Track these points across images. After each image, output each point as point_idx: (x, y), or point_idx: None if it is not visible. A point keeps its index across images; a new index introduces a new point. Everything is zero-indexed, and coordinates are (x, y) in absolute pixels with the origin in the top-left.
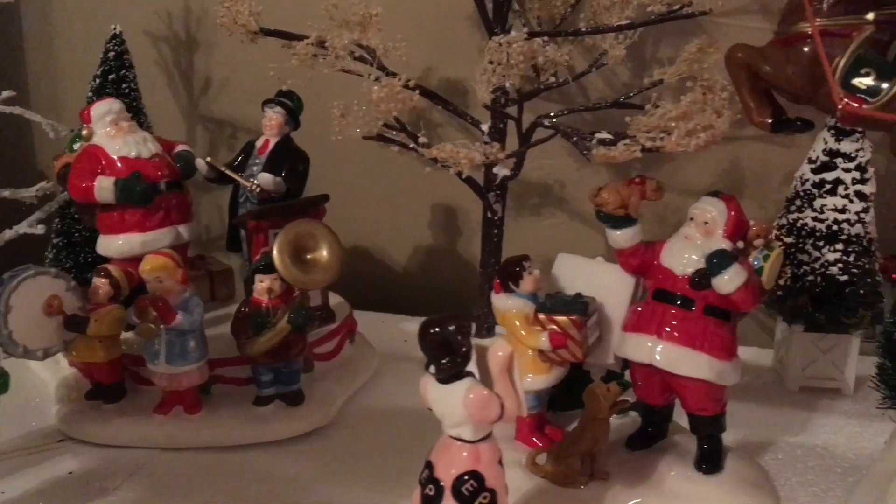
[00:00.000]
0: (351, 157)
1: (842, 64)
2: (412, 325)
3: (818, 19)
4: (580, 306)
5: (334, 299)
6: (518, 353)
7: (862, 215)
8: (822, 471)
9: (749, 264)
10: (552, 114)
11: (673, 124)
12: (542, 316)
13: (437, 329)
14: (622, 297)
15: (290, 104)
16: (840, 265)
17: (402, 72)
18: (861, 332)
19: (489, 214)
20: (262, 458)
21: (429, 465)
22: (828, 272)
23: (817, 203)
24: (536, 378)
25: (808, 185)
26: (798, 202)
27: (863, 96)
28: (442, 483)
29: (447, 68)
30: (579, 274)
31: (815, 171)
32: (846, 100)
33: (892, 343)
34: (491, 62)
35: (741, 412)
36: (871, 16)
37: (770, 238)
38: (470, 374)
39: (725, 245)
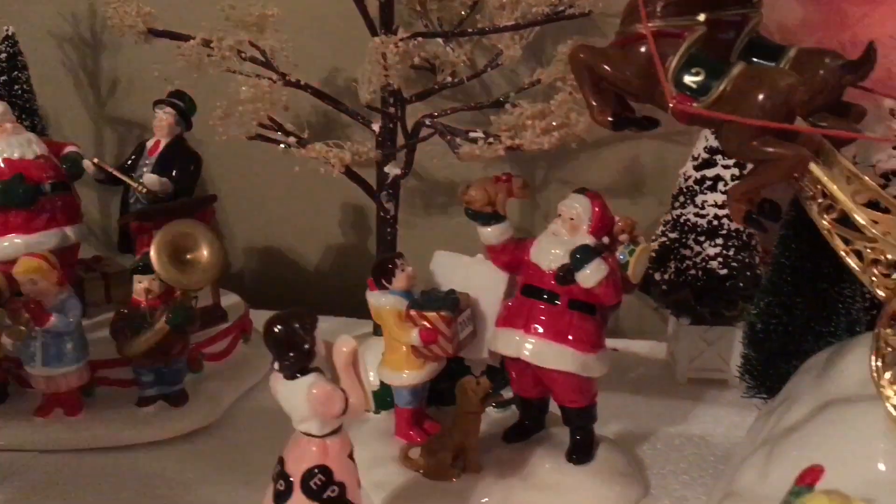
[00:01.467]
0: (255, 157)
1: (674, 63)
2: (321, 323)
3: (653, 21)
4: (450, 302)
5: (230, 299)
6: (392, 350)
7: None
8: (697, 459)
9: (614, 259)
10: (435, 113)
11: (529, 122)
12: (413, 312)
13: (280, 326)
14: (496, 293)
15: (181, 105)
16: (720, 259)
17: (306, 71)
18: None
19: (382, 213)
20: (143, 459)
21: (280, 461)
22: (708, 266)
23: (699, 199)
24: (411, 373)
25: (690, 182)
26: (682, 198)
27: (693, 95)
28: (291, 478)
29: (353, 68)
30: (455, 271)
31: (696, 168)
32: (677, 98)
33: (755, 334)
34: (372, 62)
35: (630, 403)
36: (702, 17)
37: (635, 233)
38: (315, 369)
39: (589, 241)
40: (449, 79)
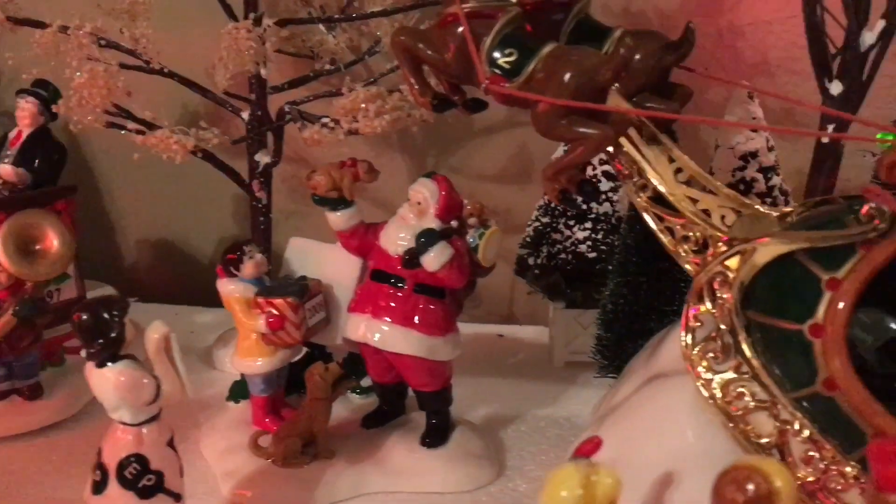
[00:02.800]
0: (144, 148)
1: (487, 44)
2: (206, 316)
3: (467, 2)
4: (298, 288)
5: (104, 291)
6: (243, 338)
7: (610, 194)
8: (559, 440)
9: (463, 242)
10: (297, 100)
11: (363, 106)
12: (260, 299)
13: (86, 313)
14: (350, 279)
15: (44, 94)
16: (589, 243)
17: (180, 59)
18: None
19: (254, 203)
20: None
21: (98, 452)
22: (578, 250)
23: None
24: (262, 361)
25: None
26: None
27: (506, 75)
28: (107, 468)
29: None
30: (310, 257)
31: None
32: (490, 79)
33: (606, 315)
34: (226, 49)
35: (504, 387)
36: None
37: (485, 217)
38: (128, 356)
39: (435, 224)
40: (329, 66)
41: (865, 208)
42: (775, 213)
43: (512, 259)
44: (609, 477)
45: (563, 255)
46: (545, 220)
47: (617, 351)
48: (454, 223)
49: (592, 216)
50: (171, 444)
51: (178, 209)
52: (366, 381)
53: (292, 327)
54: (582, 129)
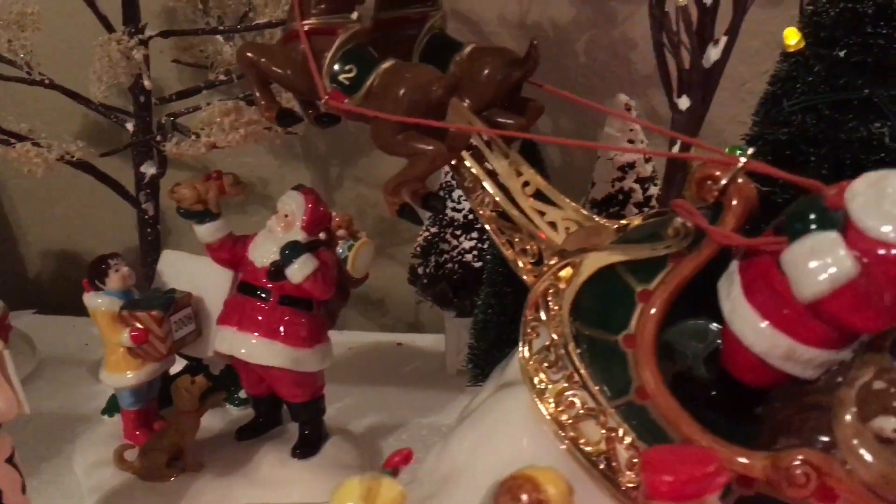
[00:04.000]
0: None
1: (328, 60)
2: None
3: (309, 18)
4: (163, 301)
5: None
6: (111, 351)
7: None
8: None
9: (331, 254)
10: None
11: (218, 119)
12: (125, 313)
13: None
14: (222, 291)
15: None
16: (475, 252)
17: (67, 70)
18: None
19: (140, 214)
20: None
21: None
22: (464, 259)
23: (455, 194)
24: (131, 374)
25: (448, 177)
26: (441, 193)
27: (346, 91)
28: None
29: None
30: (182, 270)
31: None
32: (330, 94)
33: (477, 324)
34: (100, 60)
35: (394, 397)
36: (355, 15)
37: (353, 229)
38: None
39: (301, 237)
40: (223, 76)
41: (673, 224)
42: (615, 226)
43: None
44: (392, 490)
45: (449, 265)
46: (434, 229)
47: (487, 360)
48: (322, 235)
49: (479, 226)
50: (10, 460)
51: (81, 220)
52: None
53: (157, 341)
54: (417, 145)
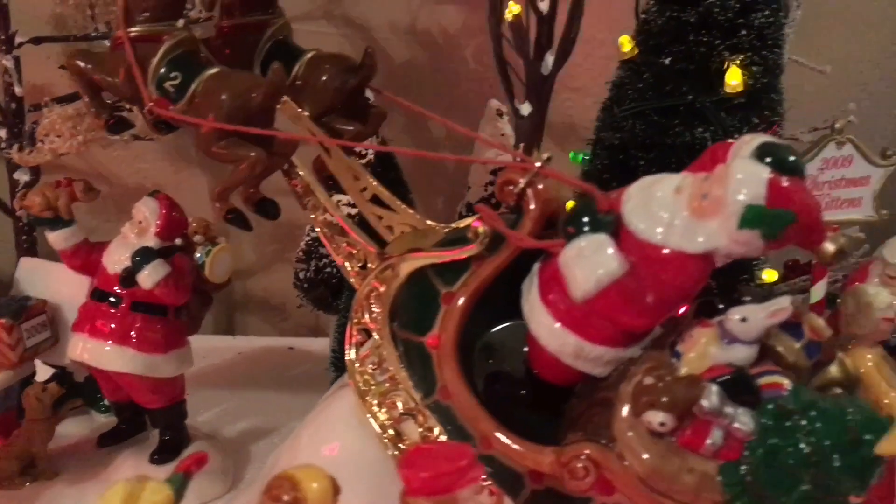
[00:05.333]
0: None
1: (153, 67)
2: None
3: (135, 26)
4: (12, 309)
5: None
6: None
7: None
8: None
9: (186, 260)
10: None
11: (58, 126)
12: None
13: None
14: (79, 297)
15: None
16: None
17: None
18: None
19: (16, 221)
20: None
21: None
22: None
23: (335, 198)
24: None
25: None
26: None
27: (172, 99)
28: None
29: None
30: (39, 277)
31: None
32: (154, 102)
33: (339, 328)
34: None
35: (276, 400)
36: (180, 23)
37: (212, 234)
38: None
39: (155, 243)
40: None
41: (473, 226)
42: (445, 230)
43: None
44: (158, 493)
45: (329, 269)
46: (314, 234)
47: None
48: (178, 241)
49: None
50: None
51: None
52: None
53: (6, 348)
54: (238, 152)
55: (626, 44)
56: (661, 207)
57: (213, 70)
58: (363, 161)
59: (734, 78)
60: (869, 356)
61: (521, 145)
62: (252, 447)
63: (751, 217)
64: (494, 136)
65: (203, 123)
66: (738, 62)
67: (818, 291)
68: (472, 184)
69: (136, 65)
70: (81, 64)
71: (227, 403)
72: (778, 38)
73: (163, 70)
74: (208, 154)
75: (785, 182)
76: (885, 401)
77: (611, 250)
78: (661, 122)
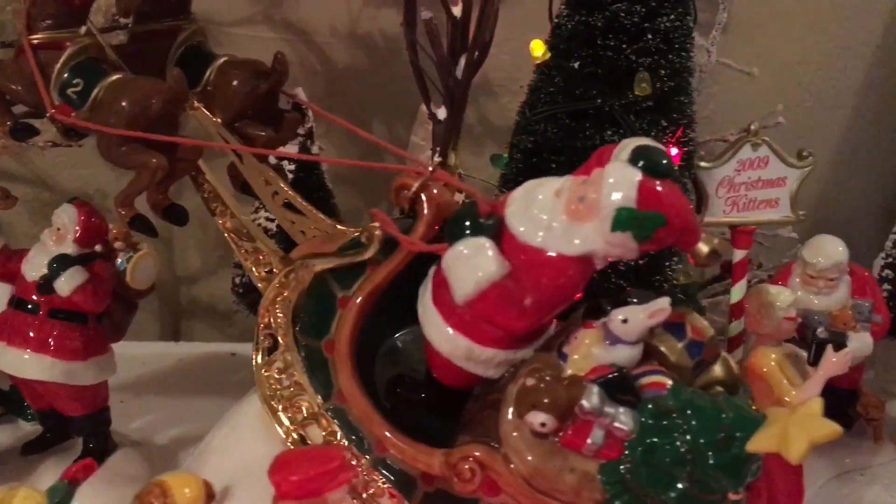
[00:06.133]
0: None
1: (55, 74)
2: None
3: (38, 33)
4: None
5: None
6: None
7: None
8: None
9: (106, 266)
10: None
11: None
12: None
13: None
14: (0, 307)
15: None
16: None
17: None
18: None
19: None
20: None
21: None
22: None
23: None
24: None
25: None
26: (255, 203)
27: (75, 105)
28: None
29: None
30: None
31: None
32: (57, 108)
33: None
34: None
35: (212, 407)
36: (83, 29)
37: (134, 241)
38: None
39: (73, 249)
40: None
41: (367, 231)
42: (355, 233)
43: None
44: (29, 500)
45: None
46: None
47: None
48: (98, 248)
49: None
50: None
51: None
52: None
53: None
54: (139, 158)
55: (539, 48)
56: (542, 210)
57: (115, 77)
58: (287, 165)
59: (643, 81)
60: (772, 355)
61: (437, 149)
62: (181, 454)
63: (622, 219)
64: (426, 139)
65: (104, 130)
66: (645, 66)
67: (738, 291)
68: None
69: (39, 71)
70: None
71: (161, 410)
72: (684, 41)
73: (65, 76)
74: (110, 160)
75: (656, 185)
76: (787, 398)
77: (490, 253)
78: (572, 125)
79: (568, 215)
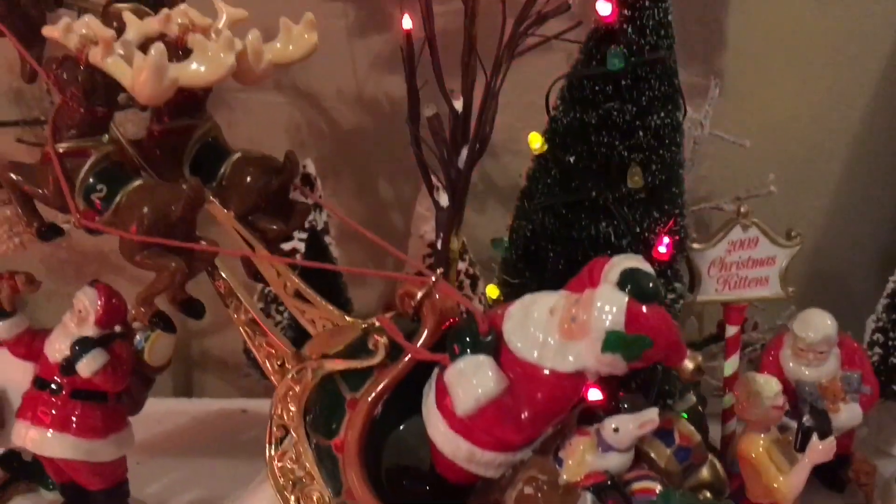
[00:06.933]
0: None
1: (80, 180)
2: None
3: (63, 142)
4: None
5: None
6: None
7: None
8: None
9: (125, 346)
10: None
11: None
12: None
13: None
14: (24, 383)
15: None
16: (295, 327)
17: None
18: None
19: None
20: None
21: None
22: (287, 334)
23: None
24: None
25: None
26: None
27: (98, 210)
28: None
29: None
30: None
31: None
32: (81, 214)
33: None
34: None
35: (224, 468)
36: (105, 138)
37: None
38: None
39: (94, 331)
40: None
41: (374, 339)
42: (363, 325)
43: None
44: None
45: None
46: (260, 305)
47: None
48: (118, 328)
49: None
50: None
51: None
52: None
53: None
54: (159, 262)
55: (536, 140)
56: (537, 328)
57: (137, 183)
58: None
59: (635, 174)
60: (760, 442)
61: (441, 234)
62: None
63: (612, 342)
64: (431, 210)
65: (126, 236)
66: (638, 161)
67: (731, 365)
68: (411, 255)
69: (64, 178)
70: (13, 176)
71: (176, 472)
72: (674, 136)
73: (90, 182)
74: (131, 262)
75: (642, 310)
76: (775, 485)
77: (490, 373)
78: (569, 215)
79: (561, 334)
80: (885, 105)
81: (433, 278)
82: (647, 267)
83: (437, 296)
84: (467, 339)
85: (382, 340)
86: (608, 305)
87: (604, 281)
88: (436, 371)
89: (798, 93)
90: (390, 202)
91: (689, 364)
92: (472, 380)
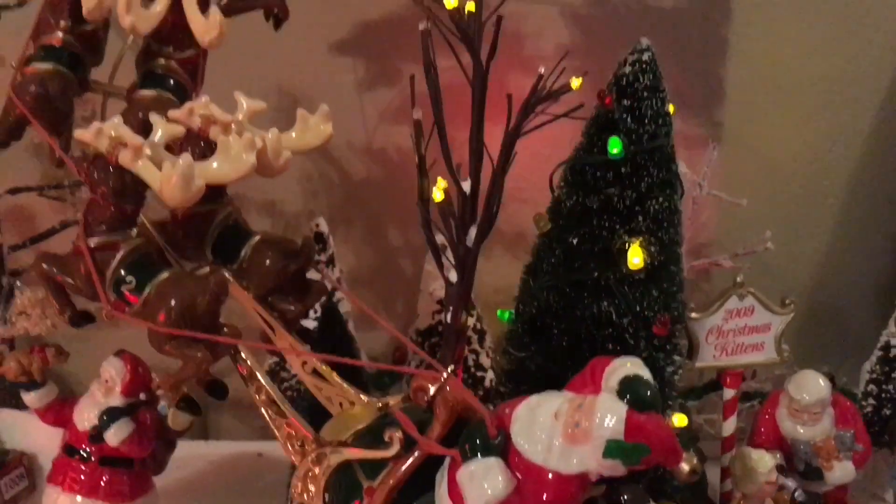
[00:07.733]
0: None
1: (111, 273)
2: None
3: (93, 237)
4: None
5: None
6: None
7: None
8: None
9: (151, 414)
10: None
11: (28, 312)
12: None
13: None
14: (56, 447)
15: None
16: None
17: None
18: None
19: None
20: None
21: None
22: (302, 388)
23: None
24: None
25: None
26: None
27: (127, 301)
28: None
29: None
30: (16, 428)
31: None
32: (112, 305)
33: None
34: None
35: None
36: (134, 231)
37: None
38: None
39: (120, 401)
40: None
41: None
42: (378, 405)
43: None
44: None
45: (289, 392)
46: (275, 359)
47: None
48: (143, 396)
49: None
50: None
51: None
52: None
53: None
54: (186, 352)
55: (540, 221)
56: (542, 431)
57: (165, 275)
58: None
59: (635, 256)
60: None
61: (451, 308)
62: None
63: (611, 450)
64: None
65: (154, 328)
66: (638, 243)
67: (729, 426)
68: (421, 312)
69: (95, 271)
70: (46, 267)
71: None
72: (672, 219)
73: (120, 274)
74: (160, 352)
75: (641, 420)
76: None
77: (500, 476)
78: (572, 294)
79: (565, 438)
80: (881, 147)
81: (444, 375)
82: (645, 373)
83: (449, 388)
84: (478, 441)
85: (398, 435)
86: (608, 415)
87: (605, 387)
88: (448, 460)
89: (795, 135)
90: (400, 249)
91: (684, 466)
92: (483, 483)
